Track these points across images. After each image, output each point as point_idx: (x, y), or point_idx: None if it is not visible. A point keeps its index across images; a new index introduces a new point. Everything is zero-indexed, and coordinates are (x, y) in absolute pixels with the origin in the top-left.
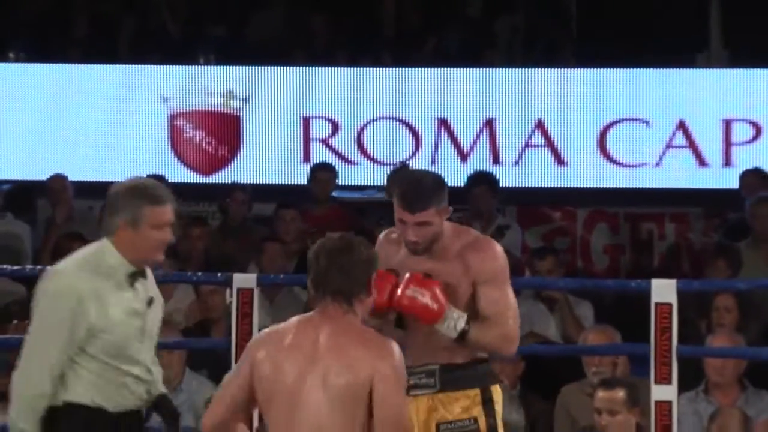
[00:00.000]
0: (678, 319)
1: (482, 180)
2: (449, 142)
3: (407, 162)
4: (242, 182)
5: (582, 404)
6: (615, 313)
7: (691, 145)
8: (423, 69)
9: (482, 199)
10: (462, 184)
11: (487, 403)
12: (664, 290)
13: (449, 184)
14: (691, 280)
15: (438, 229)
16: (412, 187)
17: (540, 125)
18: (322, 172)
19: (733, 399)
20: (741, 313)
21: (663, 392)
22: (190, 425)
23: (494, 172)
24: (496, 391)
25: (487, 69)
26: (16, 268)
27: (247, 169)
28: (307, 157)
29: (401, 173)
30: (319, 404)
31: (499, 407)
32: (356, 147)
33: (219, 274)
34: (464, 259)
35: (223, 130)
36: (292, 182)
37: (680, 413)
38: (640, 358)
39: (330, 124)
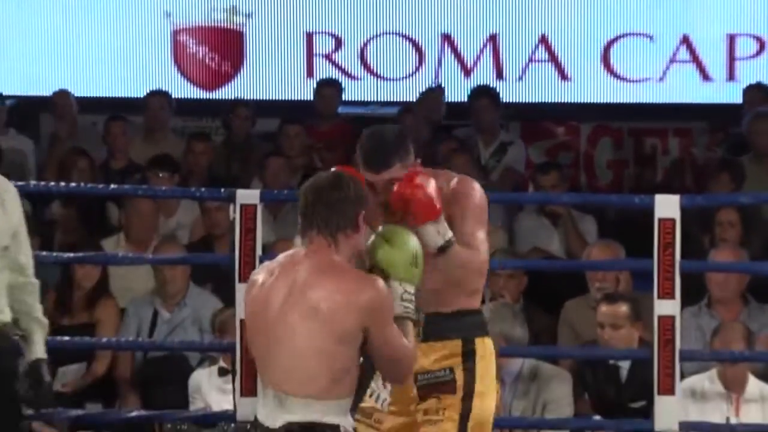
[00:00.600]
0: (681, 234)
1: (484, 93)
2: (452, 58)
3: (441, 84)
4: (245, 98)
5: (585, 319)
6: (618, 228)
7: (695, 59)
8: None
9: (484, 113)
10: (465, 100)
11: (468, 354)
12: (667, 205)
13: (452, 100)
14: (694, 195)
15: None
16: (373, 145)
17: (544, 40)
18: (327, 88)
19: (735, 313)
20: (744, 228)
21: (666, 307)
22: (196, 339)
23: (497, 88)
24: (482, 343)
25: None
26: (20, 183)
27: (250, 84)
28: (310, 73)
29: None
30: (298, 337)
31: (484, 361)
32: (360, 62)
33: (222, 190)
34: (445, 197)
35: (227, 46)
36: (296, 98)
37: (683, 328)
38: (643, 273)
39: (333, 40)
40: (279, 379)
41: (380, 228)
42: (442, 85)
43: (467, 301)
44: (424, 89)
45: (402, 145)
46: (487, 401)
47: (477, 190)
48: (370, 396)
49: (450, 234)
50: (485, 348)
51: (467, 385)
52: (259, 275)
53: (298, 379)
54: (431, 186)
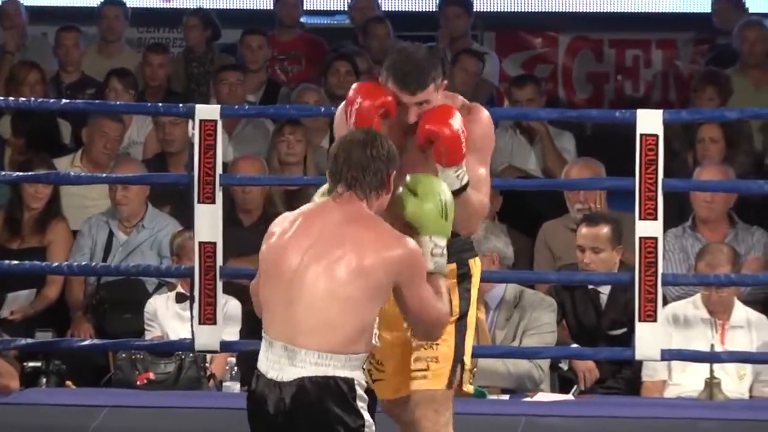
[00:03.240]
0: (664, 152)
1: (455, 1)
2: None
3: None
4: (206, 7)
5: (564, 240)
6: (598, 145)
7: None
8: None
9: (455, 22)
10: (435, 8)
11: (463, 279)
12: (649, 120)
13: (422, 9)
14: (678, 110)
15: (435, 104)
16: (408, 65)
17: None
18: None
19: (721, 235)
20: (728, 145)
21: (648, 228)
22: (152, 263)
23: None
24: (474, 265)
25: None
26: None
27: None
28: None
29: (392, 53)
30: (321, 288)
31: (476, 279)
32: None
33: (181, 106)
34: None
35: None
36: (258, 7)
37: (666, 250)
38: (624, 192)
39: None
40: (293, 331)
41: (408, 178)
42: None
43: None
44: None
45: (437, 65)
46: (474, 317)
47: (486, 120)
48: None
49: (467, 179)
50: (477, 269)
51: (462, 308)
52: (278, 226)
53: (315, 331)
54: (459, 125)
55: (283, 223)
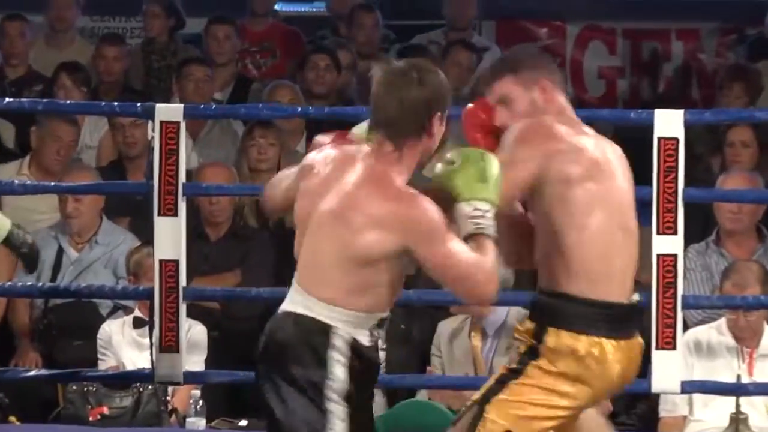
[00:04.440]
0: (685, 157)
1: None
2: None
3: None
4: None
5: None
6: None
7: None
8: None
9: (456, 6)
10: None
11: None
12: (669, 122)
13: None
14: (701, 110)
15: None
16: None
17: None
18: None
19: (749, 251)
20: (760, 149)
21: (667, 244)
22: (107, 283)
23: None
24: None
25: None
26: None
27: None
28: None
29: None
30: (323, 239)
31: None
32: None
33: (139, 105)
34: None
35: None
36: None
37: (687, 268)
38: (640, 203)
39: None
40: (300, 272)
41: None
42: None
43: None
44: None
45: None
46: None
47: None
48: None
49: None
50: None
51: None
52: (317, 159)
53: (314, 279)
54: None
55: (319, 159)
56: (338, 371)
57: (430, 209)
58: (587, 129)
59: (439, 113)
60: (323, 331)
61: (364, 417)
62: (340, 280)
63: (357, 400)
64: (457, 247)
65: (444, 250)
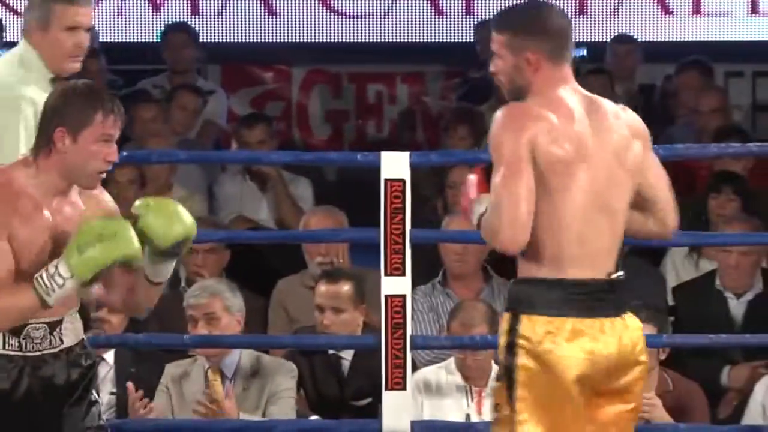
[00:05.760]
0: (413, 199)
1: (179, 29)
2: None
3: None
4: None
5: (302, 300)
6: (338, 192)
7: None
8: None
9: (179, 53)
10: (156, 39)
11: None
12: (395, 164)
13: (140, 39)
14: (427, 151)
15: None
16: None
17: None
18: None
19: (475, 291)
20: None
21: (395, 285)
22: None
23: (194, 25)
24: None
25: None
26: None
27: None
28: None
29: None
30: None
31: None
32: None
33: None
34: None
35: None
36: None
37: (414, 310)
38: (368, 245)
39: None
40: None
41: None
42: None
43: None
44: None
45: None
46: None
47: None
48: None
49: None
50: None
51: None
52: None
53: None
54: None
55: None
56: None
57: None
58: (576, 102)
59: (61, 127)
60: None
61: None
62: None
63: None
64: None
65: None
